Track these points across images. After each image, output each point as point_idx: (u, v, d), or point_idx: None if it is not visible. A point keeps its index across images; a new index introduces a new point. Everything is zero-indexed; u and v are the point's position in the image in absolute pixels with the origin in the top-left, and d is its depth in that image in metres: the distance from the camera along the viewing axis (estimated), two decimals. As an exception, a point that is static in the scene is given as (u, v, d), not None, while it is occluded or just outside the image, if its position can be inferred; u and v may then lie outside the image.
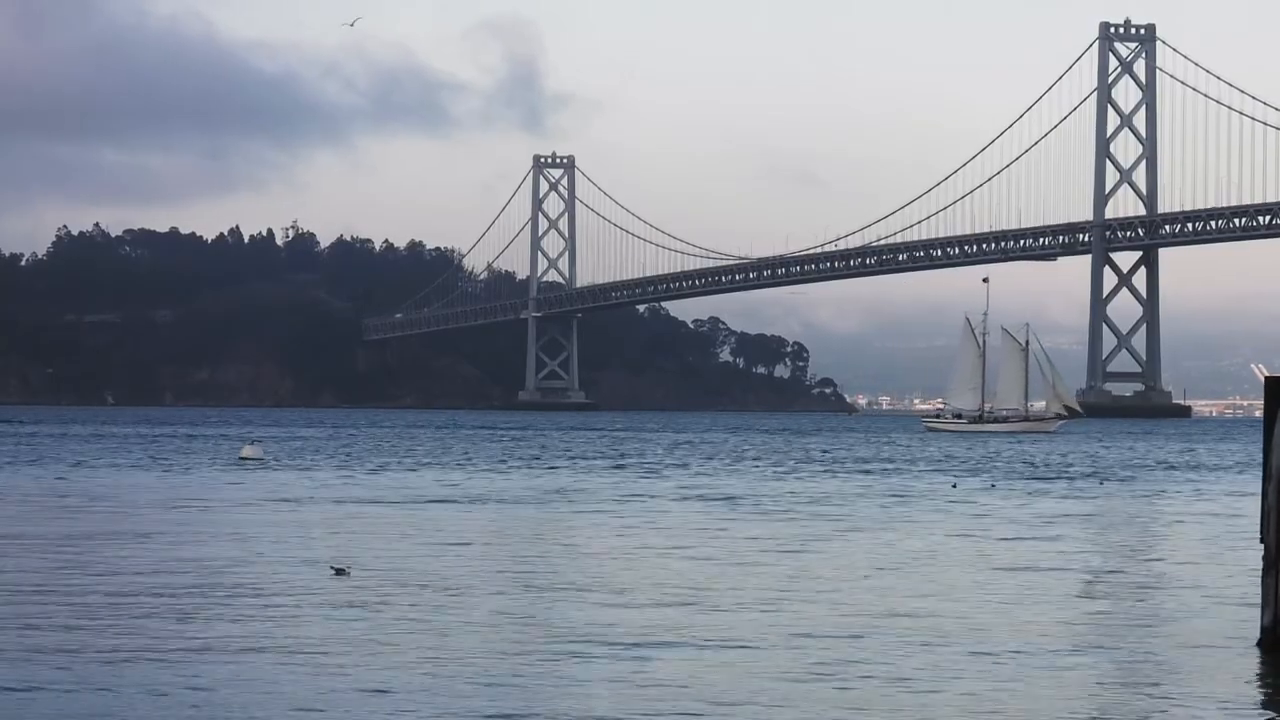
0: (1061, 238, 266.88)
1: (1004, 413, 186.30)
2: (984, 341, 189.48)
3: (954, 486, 73.46)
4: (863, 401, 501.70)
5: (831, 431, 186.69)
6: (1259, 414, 24.66)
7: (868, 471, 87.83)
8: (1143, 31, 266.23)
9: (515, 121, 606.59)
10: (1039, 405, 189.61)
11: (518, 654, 24.09)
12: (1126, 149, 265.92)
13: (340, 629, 26.32)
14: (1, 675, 21.77)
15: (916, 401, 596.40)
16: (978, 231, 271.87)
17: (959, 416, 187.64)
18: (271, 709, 20.05)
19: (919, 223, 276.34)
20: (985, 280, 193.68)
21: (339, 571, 34.79)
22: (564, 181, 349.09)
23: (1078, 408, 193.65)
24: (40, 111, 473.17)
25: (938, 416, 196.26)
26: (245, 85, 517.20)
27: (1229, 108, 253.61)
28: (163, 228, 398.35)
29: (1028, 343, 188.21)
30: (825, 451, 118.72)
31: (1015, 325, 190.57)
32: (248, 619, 27.30)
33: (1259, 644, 24.81)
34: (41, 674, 21.97)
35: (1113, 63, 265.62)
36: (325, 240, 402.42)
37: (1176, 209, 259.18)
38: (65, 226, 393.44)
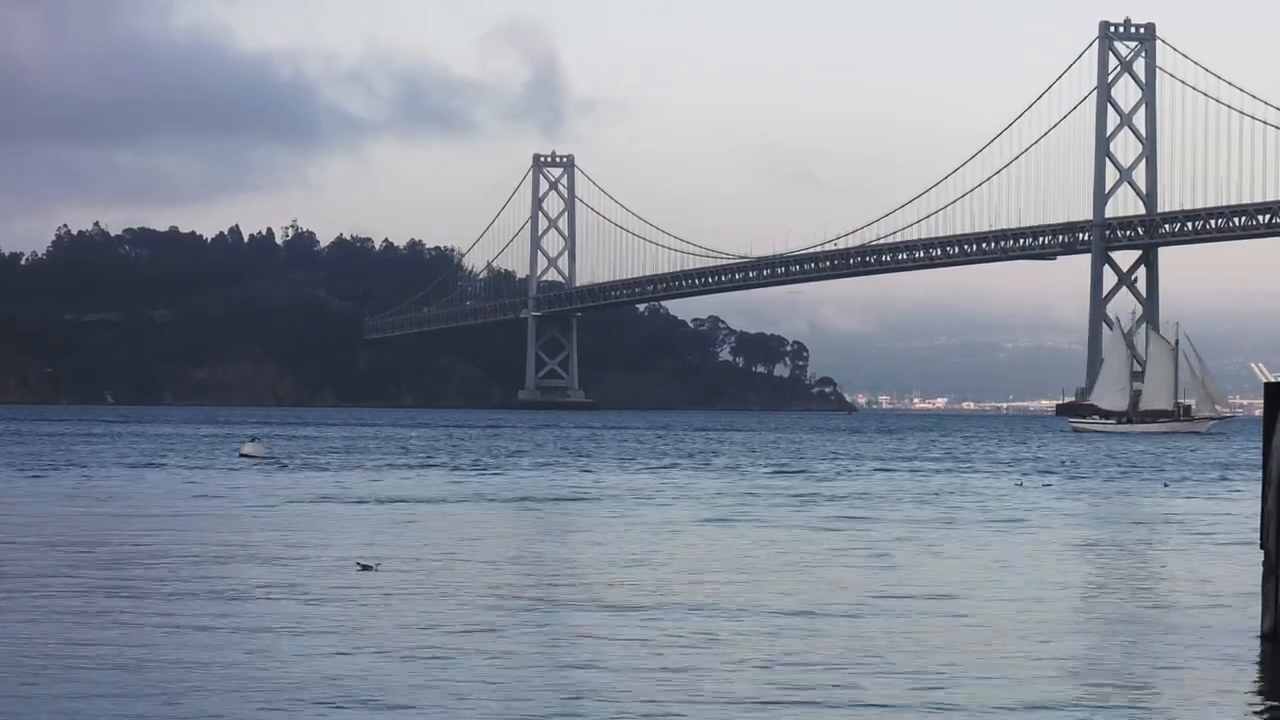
0: (1061, 237, 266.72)
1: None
2: (1133, 342, 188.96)
3: (1019, 484, 74.03)
4: (862, 401, 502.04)
5: (972, 432, 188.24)
6: (1258, 413, 24.57)
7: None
8: (1142, 30, 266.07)
9: (524, 123, 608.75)
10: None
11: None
12: (1126, 148, 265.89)
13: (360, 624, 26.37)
14: (43, 658, 21.86)
15: (916, 401, 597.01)
16: (978, 231, 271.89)
17: (1107, 417, 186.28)
18: (288, 705, 20.12)
19: (919, 222, 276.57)
20: (1133, 282, 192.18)
21: (365, 567, 34.96)
22: (563, 180, 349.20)
23: (1226, 408, 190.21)
24: (61, 116, 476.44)
25: (1085, 418, 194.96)
26: (265, 91, 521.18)
27: (1229, 107, 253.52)
28: (164, 228, 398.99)
29: (1177, 342, 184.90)
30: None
31: (1165, 324, 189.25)
32: (268, 613, 27.35)
33: (1260, 649, 24.92)
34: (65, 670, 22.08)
35: (1112, 62, 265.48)
36: (325, 240, 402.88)
37: (1176, 208, 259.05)
38: (65, 226, 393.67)
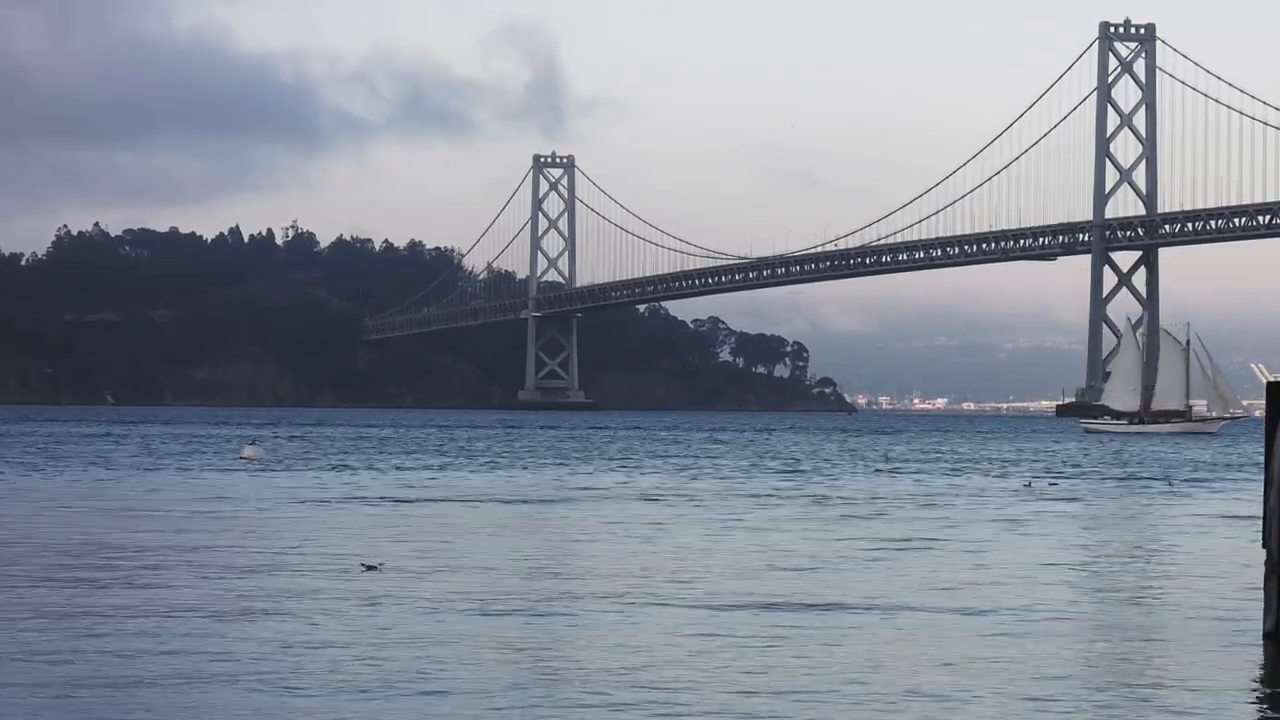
0: (1061, 237, 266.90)
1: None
2: (1144, 342, 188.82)
3: (1028, 485, 74.23)
4: (863, 401, 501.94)
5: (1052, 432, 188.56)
6: (1259, 414, 24.59)
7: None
8: (1143, 31, 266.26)
9: (525, 123, 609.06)
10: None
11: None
12: (1126, 149, 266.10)
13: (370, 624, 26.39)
14: (34, 671, 21.88)
15: (916, 401, 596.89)
16: (978, 231, 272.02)
17: (1119, 418, 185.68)
18: (291, 704, 20.14)
19: (919, 222, 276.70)
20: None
21: (370, 568, 34.95)
22: (564, 181, 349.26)
23: (1239, 408, 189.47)
24: (61, 116, 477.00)
25: (1097, 418, 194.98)
26: (266, 92, 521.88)
27: (1229, 107, 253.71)
28: (164, 228, 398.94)
29: (1188, 342, 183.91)
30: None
31: (1175, 324, 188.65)
32: (278, 613, 27.36)
33: (1263, 649, 24.94)
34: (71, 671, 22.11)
35: (1113, 62, 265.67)
36: (325, 240, 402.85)
37: (1176, 209, 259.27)
38: (65, 226, 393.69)
